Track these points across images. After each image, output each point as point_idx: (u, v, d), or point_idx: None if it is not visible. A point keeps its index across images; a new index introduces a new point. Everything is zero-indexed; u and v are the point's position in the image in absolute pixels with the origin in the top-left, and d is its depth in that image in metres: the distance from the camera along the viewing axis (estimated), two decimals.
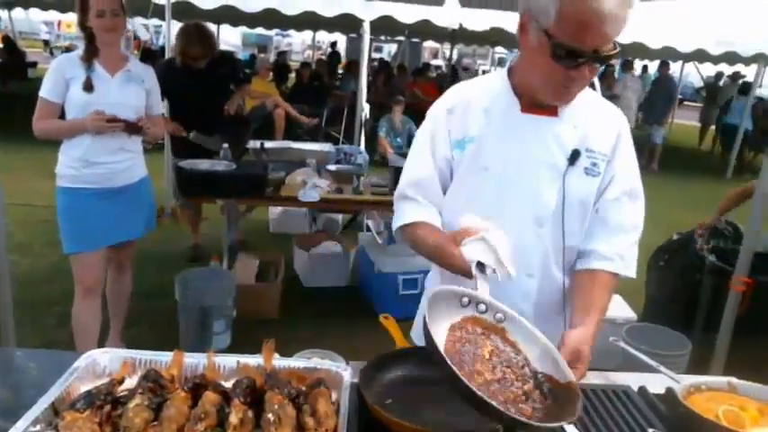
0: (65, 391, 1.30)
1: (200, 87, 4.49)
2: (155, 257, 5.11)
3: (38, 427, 1.20)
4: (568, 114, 1.55)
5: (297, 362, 1.50)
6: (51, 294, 4.45)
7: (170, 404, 1.25)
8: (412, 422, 1.28)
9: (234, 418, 1.21)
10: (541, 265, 1.61)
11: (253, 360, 1.48)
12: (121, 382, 1.37)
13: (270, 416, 1.22)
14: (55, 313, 4.18)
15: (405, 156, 1.84)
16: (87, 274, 3.19)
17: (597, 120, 1.58)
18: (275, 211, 6.13)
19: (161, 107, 3.36)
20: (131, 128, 3.05)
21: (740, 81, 12.82)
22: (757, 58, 11.33)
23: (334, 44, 22.29)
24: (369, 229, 5.43)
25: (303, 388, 1.36)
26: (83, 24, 2.98)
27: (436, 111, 1.63)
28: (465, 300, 1.35)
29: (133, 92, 3.10)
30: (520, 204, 1.53)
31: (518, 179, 1.54)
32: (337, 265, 4.92)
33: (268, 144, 4.59)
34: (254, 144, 4.53)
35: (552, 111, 1.54)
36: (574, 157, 1.53)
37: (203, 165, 3.97)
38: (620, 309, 4.11)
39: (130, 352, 1.48)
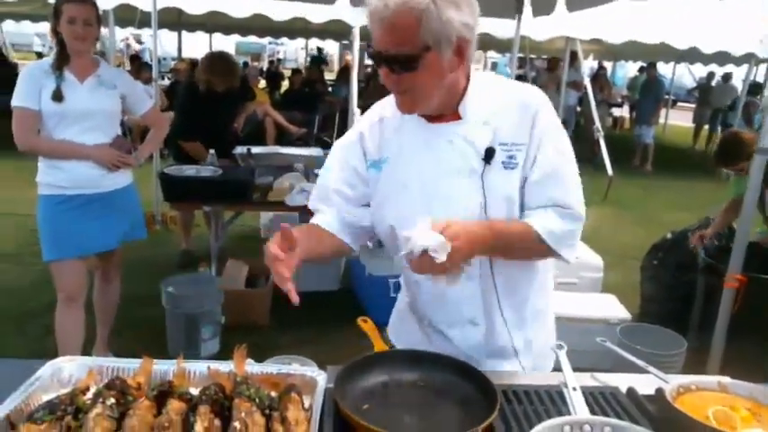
0: (23, 402, 1.25)
1: (218, 110, 4.57)
2: (144, 264, 5.05)
3: None
4: (474, 112, 1.52)
5: (270, 367, 1.44)
6: (38, 304, 4.38)
7: (133, 413, 1.19)
8: (387, 429, 1.22)
9: (199, 427, 1.16)
10: (479, 264, 1.55)
11: (224, 366, 1.42)
12: (86, 391, 1.31)
13: (236, 424, 1.16)
14: (41, 323, 4.11)
15: None
16: (67, 282, 3.14)
17: (508, 109, 1.52)
18: (266, 216, 6.07)
19: (146, 105, 3.29)
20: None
21: (748, 82, 12.75)
22: (749, 58, 11.36)
23: (320, 50, 22.28)
24: None
25: (273, 394, 1.30)
26: (54, 30, 2.93)
27: (350, 135, 1.69)
28: (567, 428, 1.22)
29: (105, 96, 3.04)
30: (446, 215, 1.42)
31: (438, 191, 1.52)
32: (329, 269, 4.86)
33: (255, 149, 4.55)
34: (240, 150, 4.49)
35: (455, 115, 1.53)
36: (488, 155, 1.49)
37: (189, 170, 3.92)
38: (615, 309, 4.06)
39: (97, 360, 1.43)
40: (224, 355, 3.22)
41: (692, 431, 1.26)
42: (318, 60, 18.86)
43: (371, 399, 1.41)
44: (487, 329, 1.64)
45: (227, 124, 4.91)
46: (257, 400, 1.23)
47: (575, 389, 1.33)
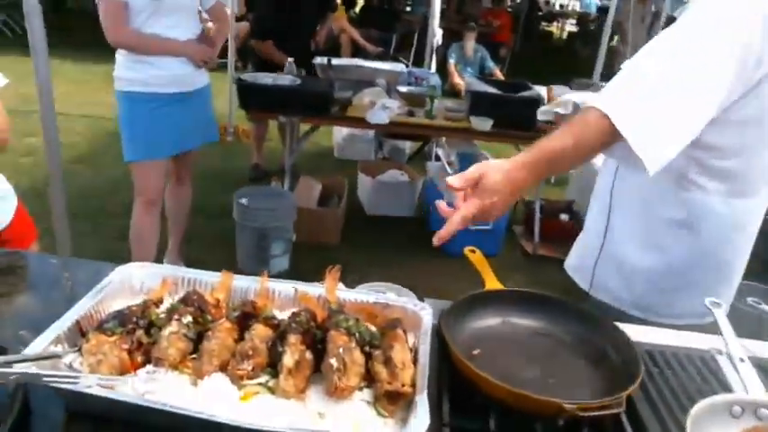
0: (93, 309, 1.09)
1: (300, 14, 4.32)
2: (214, 176, 4.97)
3: (59, 348, 0.99)
4: None
5: (365, 295, 1.24)
6: (113, 206, 4.39)
7: (212, 335, 1.02)
8: (506, 381, 1.00)
9: (289, 360, 0.97)
10: None
11: (313, 289, 1.23)
12: (158, 303, 1.14)
13: (333, 361, 0.97)
14: (115, 225, 4.11)
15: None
16: (149, 184, 3.04)
17: None
18: (340, 135, 5.86)
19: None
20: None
21: None
22: None
23: None
24: (437, 159, 5.10)
25: (374, 329, 1.10)
26: None
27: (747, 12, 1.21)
28: (737, 409, 0.99)
29: None
30: None
31: None
32: (403, 195, 4.65)
33: (336, 61, 4.27)
34: (320, 60, 4.22)
35: None
36: None
37: (266, 79, 3.70)
38: None
39: (173, 268, 1.26)
40: (294, 273, 3.10)
41: None
42: None
43: (482, 343, 1.19)
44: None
45: (307, 33, 4.63)
46: (357, 334, 1.03)
47: (742, 360, 1.07)
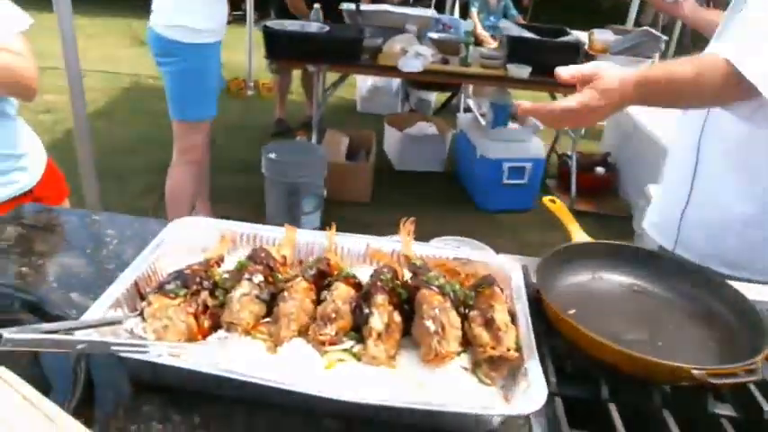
0: (150, 268, 0.98)
1: None
2: (236, 132, 4.84)
3: (119, 312, 0.89)
4: None
5: (441, 250, 1.11)
6: (136, 163, 4.28)
7: (288, 296, 0.90)
8: (615, 342, 0.89)
9: (377, 323, 0.86)
10: None
11: (384, 244, 1.11)
12: (220, 262, 1.03)
13: (429, 324, 0.85)
14: (139, 182, 4.02)
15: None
16: (198, 143, 2.90)
17: None
18: (364, 88, 5.67)
19: None
20: None
21: None
22: None
23: None
24: (467, 111, 4.91)
25: (465, 289, 0.98)
26: None
27: None
28: None
29: None
30: None
31: None
32: (432, 148, 4.48)
33: (364, 6, 4.05)
34: (347, 6, 4.00)
35: None
36: None
37: (292, 26, 3.52)
38: None
39: (229, 223, 1.14)
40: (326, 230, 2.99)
41: None
42: None
43: (576, 302, 1.07)
44: None
45: None
46: (451, 293, 0.91)
47: None
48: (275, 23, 3.52)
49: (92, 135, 2.87)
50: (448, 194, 4.28)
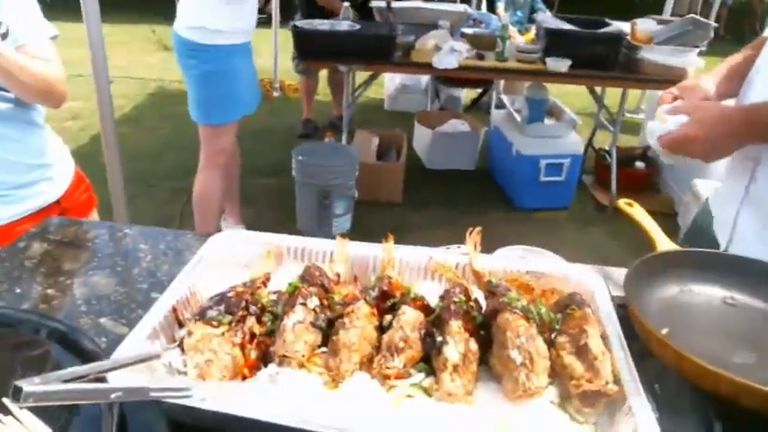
0: (189, 291, 0.87)
1: None
2: (262, 134, 4.75)
3: (156, 344, 0.78)
4: None
5: (512, 263, 0.99)
6: (162, 169, 4.22)
7: (349, 323, 0.78)
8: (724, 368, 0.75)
9: (454, 354, 0.74)
10: None
11: (449, 256, 0.99)
12: (266, 281, 0.92)
13: (515, 354, 0.73)
14: (166, 188, 3.95)
15: None
16: (225, 147, 2.81)
17: None
18: (392, 86, 5.55)
19: None
20: None
21: None
22: None
23: None
24: (499, 107, 4.75)
25: (542, 308, 0.85)
26: None
27: None
28: None
29: None
30: None
31: None
32: (465, 146, 4.34)
33: (395, 3, 3.93)
34: (378, 3, 3.89)
35: None
36: None
37: (323, 25, 3.41)
38: None
39: (274, 237, 1.03)
40: (356, 234, 2.89)
41: None
42: None
43: (668, 319, 0.94)
44: None
45: None
46: (537, 317, 0.78)
47: None
48: (305, 23, 3.42)
49: (118, 141, 2.80)
50: (482, 193, 4.14)
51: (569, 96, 5.04)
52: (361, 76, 3.86)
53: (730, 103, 1.17)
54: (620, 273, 1.07)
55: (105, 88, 2.47)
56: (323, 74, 4.88)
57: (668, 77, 3.12)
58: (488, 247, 1.04)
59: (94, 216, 1.79)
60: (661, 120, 1.11)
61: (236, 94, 2.68)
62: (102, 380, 0.68)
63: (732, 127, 1.03)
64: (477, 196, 4.08)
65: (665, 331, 0.91)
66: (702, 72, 1.34)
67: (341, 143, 3.63)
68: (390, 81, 5.56)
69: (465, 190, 4.16)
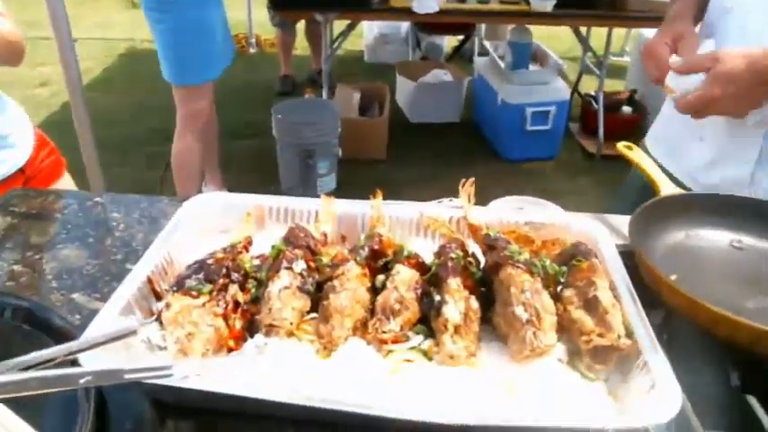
0: (165, 259, 0.81)
1: None
2: (238, 92, 4.58)
3: (131, 319, 0.72)
4: None
5: (508, 214, 0.93)
6: (138, 133, 4.08)
7: (339, 286, 0.73)
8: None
9: (454, 313, 0.69)
10: None
11: (441, 210, 0.93)
12: (248, 245, 0.85)
13: (520, 311, 0.67)
14: (142, 153, 3.82)
15: None
16: (203, 108, 2.70)
17: None
18: (371, 36, 5.37)
19: None
20: None
21: None
22: None
23: None
24: (482, 55, 4.63)
25: (546, 260, 0.80)
26: None
27: None
28: None
29: None
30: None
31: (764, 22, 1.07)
32: (448, 97, 4.23)
33: None
34: None
35: None
36: None
37: None
38: None
39: (253, 197, 0.96)
40: (341, 194, 2.82)
41: None
42: None
43: (675, 265, 0.89)
44: None
45: None
46: (541, 270, 0.73)
47: None
48: None
49: (88, 106, 2.67)
50: (468, 146, 4.06)
51: (552, 41, 4.91)
52: (339, 26, 3.71)
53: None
54: (617, 220, 1.02)
55: (69, 49, 2.34)
56: (300, 27, 4.71)
57: (657, 14, 3.01)
58: (477, 201, 0.98)
59: (66, 182, 1.69)
60: (668, 90, 1.04)
61: (211, 49, 2.55)
62: (75, 362, 0.63)
63: (764, 75, 0.96)
64: (463, 149, 4.00)
65: (673, 278, 0.86)
66: None
67: (322, 99, 3.52)
68: (369, 31, 5.37)
69: (450, 143, 4.07)
